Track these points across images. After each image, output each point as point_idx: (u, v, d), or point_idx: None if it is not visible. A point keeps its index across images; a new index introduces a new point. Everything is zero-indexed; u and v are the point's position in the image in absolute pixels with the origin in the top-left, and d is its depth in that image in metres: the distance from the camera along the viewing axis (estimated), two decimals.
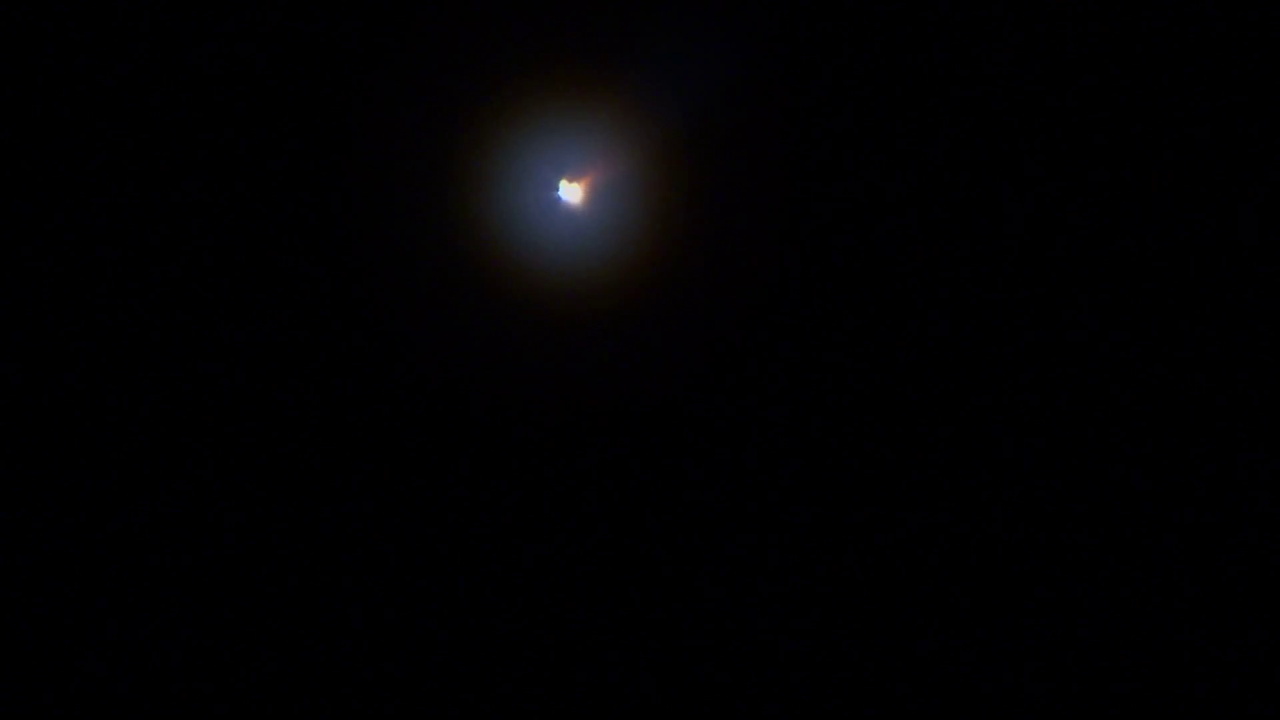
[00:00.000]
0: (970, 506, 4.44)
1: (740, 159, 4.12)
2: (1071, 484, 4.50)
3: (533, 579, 4.35)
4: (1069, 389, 4.45)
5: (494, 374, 4.22)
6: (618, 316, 4.11)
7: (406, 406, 4.27)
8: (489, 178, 4.06)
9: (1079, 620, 4.44)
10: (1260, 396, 4.42)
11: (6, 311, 4.34)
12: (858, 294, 4.28)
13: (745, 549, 4.33)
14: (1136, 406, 4.49)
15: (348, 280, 4.21)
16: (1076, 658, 4.41)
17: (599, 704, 4.45)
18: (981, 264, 4.34)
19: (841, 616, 4.41)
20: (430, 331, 4.21)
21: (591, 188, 4.05)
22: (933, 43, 4.28)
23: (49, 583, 4.33)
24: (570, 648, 4.39)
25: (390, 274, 4.19)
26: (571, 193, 4.06)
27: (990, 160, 4.36)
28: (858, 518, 4.35)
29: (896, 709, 4.43)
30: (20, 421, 4.33)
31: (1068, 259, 4.41)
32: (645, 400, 4.22)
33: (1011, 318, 4.38)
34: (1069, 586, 4.46)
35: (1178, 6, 4.43)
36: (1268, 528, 4.37)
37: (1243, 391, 4.43)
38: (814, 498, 4.34)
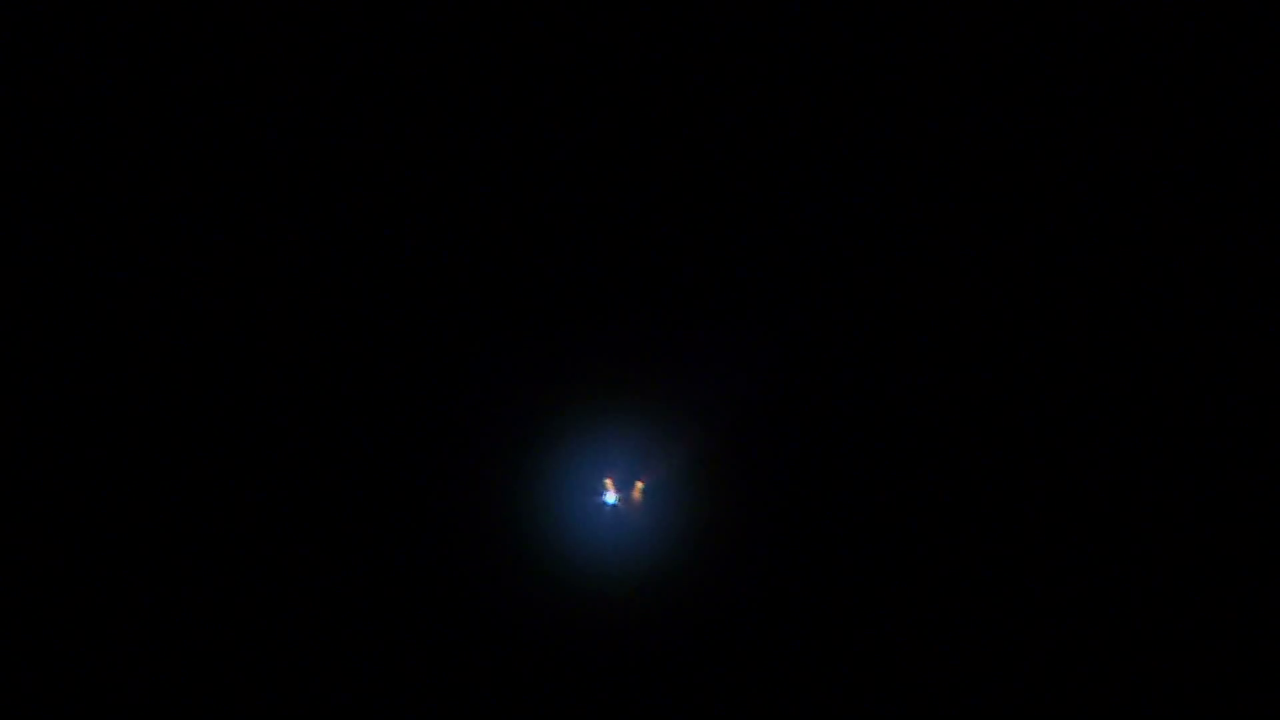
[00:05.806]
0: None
1: (763, 471, 4.67)
2: (1075, 487, 4.52)
3: None
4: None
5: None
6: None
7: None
8: (542, 485, 4.65)
9: (1079, 620, 4.45)
10: (1260, 396, 4.43)
11: (7, 311, 4.39)
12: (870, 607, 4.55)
13: None
14: (1137, 408, 4.50)
15: (406, 589, 4.56)
16: (1076, 657, 4.42)
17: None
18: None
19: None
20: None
21: (632, 493, 4.69)
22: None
23: (48, 582, 4.36)
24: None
25: (448, 576, 4.59)
26: (615, 497, 4.68)
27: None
28: None
29: (896, 709, 4.44)
30: (19, 421, 4.38)
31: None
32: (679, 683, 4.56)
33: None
34: (1070, 587, 4.46)
35: (1178, 6, 4.45)
36: (1267, 527, 4.38)
37: (1242, 391, 4.44)
38: None
